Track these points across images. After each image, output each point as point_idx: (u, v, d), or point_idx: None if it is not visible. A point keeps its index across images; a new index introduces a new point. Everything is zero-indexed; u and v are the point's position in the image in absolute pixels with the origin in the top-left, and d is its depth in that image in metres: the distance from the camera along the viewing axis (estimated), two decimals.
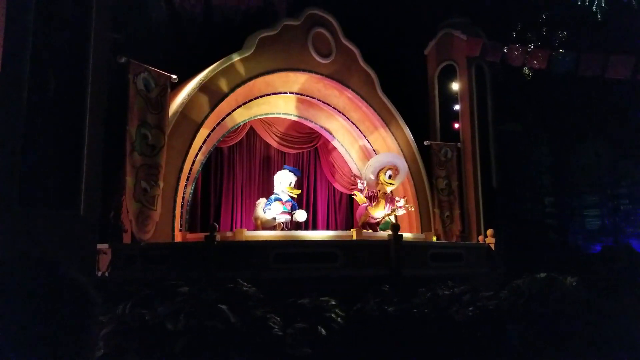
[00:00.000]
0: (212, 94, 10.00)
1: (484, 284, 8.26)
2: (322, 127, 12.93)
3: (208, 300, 5.69)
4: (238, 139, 11.74)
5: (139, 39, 11.64)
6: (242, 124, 11.46)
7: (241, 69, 10.44)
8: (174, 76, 8.96)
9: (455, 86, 14.30)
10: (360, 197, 11.33)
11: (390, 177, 11.24)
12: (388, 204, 11.01)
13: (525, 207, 19.96)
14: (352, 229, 9.66)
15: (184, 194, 9.77)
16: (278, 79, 11.46)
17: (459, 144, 13.82)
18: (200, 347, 5.37)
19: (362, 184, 11.38)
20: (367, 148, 13.09)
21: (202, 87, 9.87)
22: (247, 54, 10.52)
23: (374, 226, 11.02)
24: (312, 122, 12.80)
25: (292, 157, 12.99)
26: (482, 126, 14.32)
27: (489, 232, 10.59)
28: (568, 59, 12.46)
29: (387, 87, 13.65)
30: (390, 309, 6.20)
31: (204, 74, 9.95)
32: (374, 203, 11.04)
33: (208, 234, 7.45)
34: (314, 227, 12.86)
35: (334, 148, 13.28)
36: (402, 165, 11.73)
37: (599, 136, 19.23)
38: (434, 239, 11.90)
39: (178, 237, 9.28)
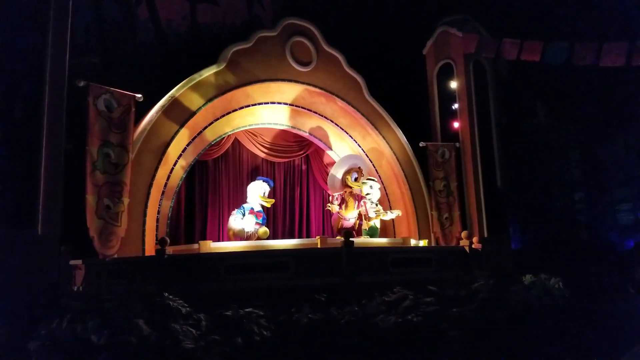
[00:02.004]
0: (183, 109, 10.23)
1: (451, 289, 7.97)
2: (311, 134, 12.91)
3: (128, 314, 5.84)
4: (222, 152, 11.89)
5: (127, 59, 12.11)
6: (224, 136, 11.62)
7: (213, 82, 10.62)
8: (139, 95, 9.23)
9: (454, 85, 13.95)
10: (333, 207, 11.30)
11: (355, 179, 11.27)
12: (356, 202, 11.08)
13: (554, 204, 19.17)
14: (317, 237, 9.61)
15: (159, 208, 10.03)
16: (259, 90, 11.56)
17: (457, 143, 13.47)
18: None
19: (335, 200, 11.40)
20: (360, 153, 12.97)
21: (172, 104, 10.11)
22: (219, 68, 10.70)
23: None
24: (301, 130, 12.81)
25: (282, 165, 13.02)
26: (485, 124, 13.88)
27: (464, 234, 10.23)
28: (561, 49, 11.90)
29: (387, 90, 13.50)
30: (317, 317, 6.14)
31: (173, 91, 10.20)
32: (344, 205, 11.05)
33: (158, 247, 7.63)
34: (308, 235, 12.85)
35: (325, 154, 13.23)
36: (365, 166, 11.82)
37: (628, 127, 18.25)
38: (425, 243, 11.63)
39: (152, 251, 9.53)
